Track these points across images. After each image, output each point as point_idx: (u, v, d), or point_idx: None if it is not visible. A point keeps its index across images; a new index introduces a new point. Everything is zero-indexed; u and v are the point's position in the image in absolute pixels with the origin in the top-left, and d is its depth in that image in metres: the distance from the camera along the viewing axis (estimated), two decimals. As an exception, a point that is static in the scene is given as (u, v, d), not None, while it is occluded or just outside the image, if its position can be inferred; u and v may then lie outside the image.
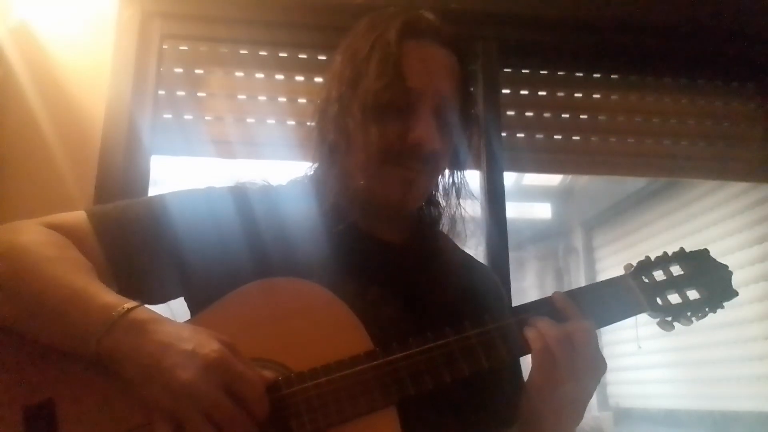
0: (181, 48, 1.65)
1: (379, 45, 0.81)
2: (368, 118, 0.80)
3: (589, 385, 0.76)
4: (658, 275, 0.85)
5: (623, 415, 3.53)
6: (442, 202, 0.93)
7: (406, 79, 0.79)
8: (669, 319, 0.83)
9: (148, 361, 0.62)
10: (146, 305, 0.68)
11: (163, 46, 1.63)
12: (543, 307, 0.79)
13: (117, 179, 1.48)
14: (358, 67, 0.82)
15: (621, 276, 0.85)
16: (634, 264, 0.86)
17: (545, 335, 0.74)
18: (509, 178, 1.73)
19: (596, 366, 0.75)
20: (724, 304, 0.85)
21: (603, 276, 3.99)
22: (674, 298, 0.85)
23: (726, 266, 0.87)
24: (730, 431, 2.62)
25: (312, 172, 0.92)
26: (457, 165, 0.91)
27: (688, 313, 0.84)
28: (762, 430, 2.38)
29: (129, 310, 0.65)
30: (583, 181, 3.79)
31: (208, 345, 0.63)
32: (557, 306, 0.79)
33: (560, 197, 4.05)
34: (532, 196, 3.92)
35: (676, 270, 0.87)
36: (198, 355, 0.62)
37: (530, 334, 0.75)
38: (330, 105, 0.85)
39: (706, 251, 0.89)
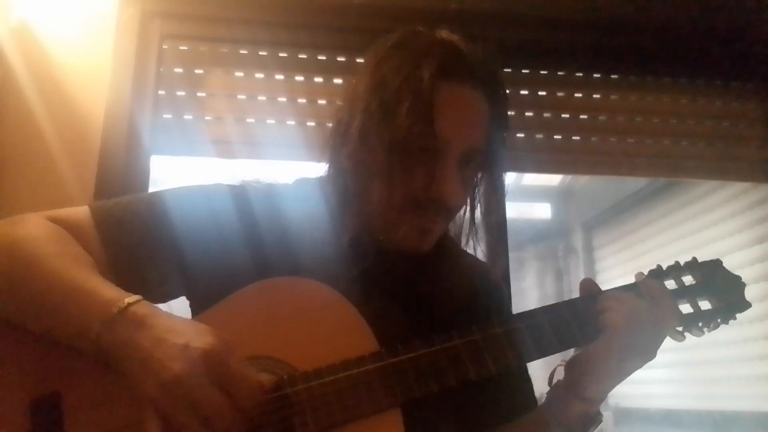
0: (181, 48, 1.65)
1: (410, 84, 0.76)
2: (392, 163, 0.77)
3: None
4: (670, 284, 0.84)
5: (623, 415, 3.52)
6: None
7: (436, 126, 0.75)
8: (680, 329, 0.82)
9: (142, 355, 0.62)
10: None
11: (163, 46, 1.63)
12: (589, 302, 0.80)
13: (117, 179, 1.48)
14: (386, 104, 0.77)
15: (632, 284, 0.83)
16: (645, 273, 0.85)
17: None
18: (509, 178, 1.73)
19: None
20: (737, 315, 0.84)
21: (603, 276, 3.97)
22: (685, 308, 0.83)
23: (739, 277, 0.86)
24: (730, 431, 2.62)
25: (324, 182, 0.89)
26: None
27: (700, 324, 0.83)
28: (762, 430, 2.38)
29: (129, 304, 0.65)
30: (583, 181, 3.79)
31: (202, 339, 0.63)
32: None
33: (560, 197, 4.04)
34: (532, 196, 3.92)
35: (688, 280, 0.86)
36: (190, 348, 0.61)
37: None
38: (350, 134, 0.81)
39: (718, 261, 0.88)
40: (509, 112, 0.91)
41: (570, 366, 0.79)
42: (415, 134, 0.75)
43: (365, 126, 0.79)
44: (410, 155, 0.77)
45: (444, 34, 0.84)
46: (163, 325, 0.64)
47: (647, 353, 0.77)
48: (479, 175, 0.87)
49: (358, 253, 0.81)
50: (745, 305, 0.84)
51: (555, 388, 0.81)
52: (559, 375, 0.81)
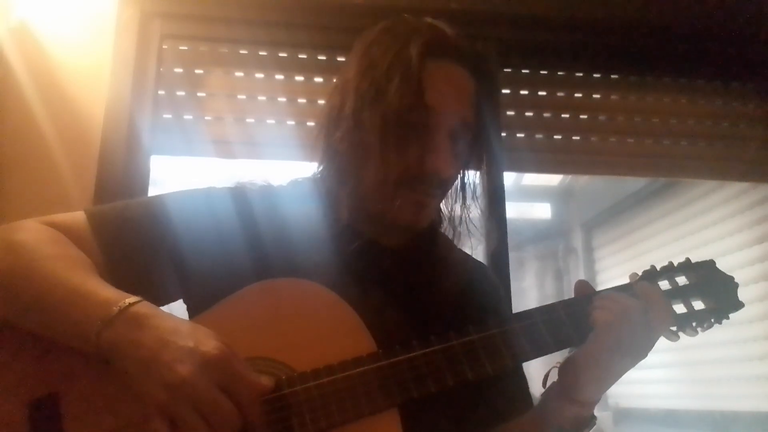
0: (181, 48, 1.65)
1: (399, 62, 0.79)
2: (386, 139, 0.79)
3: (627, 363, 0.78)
4: (663, 285, 0.85)
5: (623, 415, 3.53)
6: (444, 205, 0.92)
7: (426, 100, 0.78)
8: (674, 329, 0.83)
9: (146, 355, 0.62)
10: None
11: (163, 46, 1.63)
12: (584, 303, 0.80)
13: (117, 179, 1.48)
14: (377, 83, 0.80)
15: (626, 284, 0.84)
16: (640, 273, 0.86)
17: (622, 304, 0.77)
18: (509, 178, 1.73)
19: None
20: (730, 315, 0.84)
21: (603, 276, 3.96)
22: (679, 308, 0.84)
23: (732, 277, 0.87)
24: (730, 431, 2.62)
25: (318, 176, 0.90)
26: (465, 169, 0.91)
27: (693, 323, 0.84)
28: (762, 430, 2.38)
29: (130, 304, 0.65)
30: (583, 181, 3.80)
31: (208, 342, 0.63)
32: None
33: (560, 197, 4.05)
34: (532, 196, 3.93)
35: (681, 280, 0.86)
36: (198, 352, 0.62)
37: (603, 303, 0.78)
38: (343, 117, 0.83)
39: (712, 262, 0.88)
40: (497, 90, 0.93)
41: (563, 368, 0.80)
42: (406, 109, 0.78)
43: (357, 106, 0.81)
44: (403, 131, 0.79)
45: (429, 19, 0.86)
46: (167, 327, 0.65)
47: (638, 353, 0.77)
48: (471, 159, 0.89)
49: (352, 236, 0.82)
50: (738, 305, 0.85)
51: (549, 391, 0.82)
52: (554, 377, 0.81)
